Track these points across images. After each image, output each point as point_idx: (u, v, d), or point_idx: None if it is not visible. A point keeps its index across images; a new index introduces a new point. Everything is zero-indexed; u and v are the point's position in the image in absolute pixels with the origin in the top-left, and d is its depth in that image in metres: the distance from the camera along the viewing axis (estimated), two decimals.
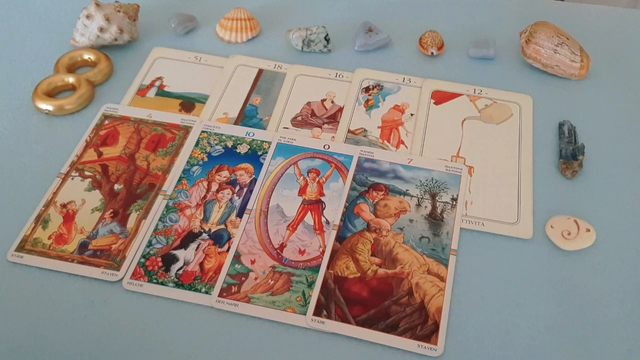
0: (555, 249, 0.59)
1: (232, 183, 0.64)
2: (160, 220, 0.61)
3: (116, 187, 0.64)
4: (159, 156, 0.66)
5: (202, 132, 0.68)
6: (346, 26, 0.80)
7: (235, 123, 0.70)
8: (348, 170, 0.64)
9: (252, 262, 0.58)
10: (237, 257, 0.58)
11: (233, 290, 0.56)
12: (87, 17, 0.75)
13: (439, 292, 0.55)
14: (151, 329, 0.54)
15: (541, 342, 0.53)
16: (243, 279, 0.56)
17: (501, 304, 0.55)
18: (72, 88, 0.73)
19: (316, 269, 0.57)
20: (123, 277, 0.56)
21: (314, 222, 0.61)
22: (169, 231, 0.60)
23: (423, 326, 0.53)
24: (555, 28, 0.73)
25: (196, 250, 0.58)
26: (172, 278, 0.57)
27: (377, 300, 0.55)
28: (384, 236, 0.59)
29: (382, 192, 0.62)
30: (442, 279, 0.56)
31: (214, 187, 0.63)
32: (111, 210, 0.62)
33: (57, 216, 0.61)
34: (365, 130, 0.69)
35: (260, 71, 0.75)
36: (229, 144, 0.67)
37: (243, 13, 0.79)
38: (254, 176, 0.64)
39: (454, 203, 0.62)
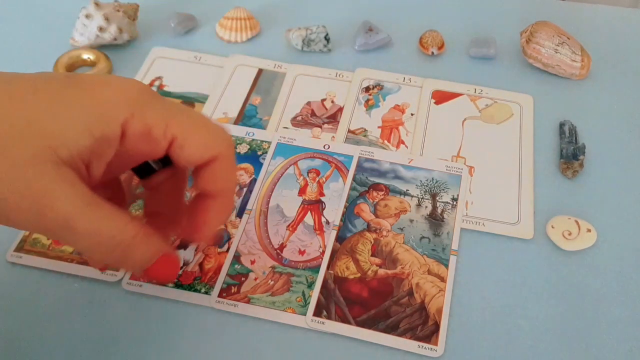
0: (556, 249, 0.59)
1: None
2: None
3: None
4: None
5: None
6: (346, 26, 0.80)
7: (235, 123, 0.70)
8: (348, 170, 0.64)
9: (252, 262, 0.57)
10: (236, 258, 0.58)
11: (233, 291, 0.55)
12: (87, 16, 0.75)
13: (439, 292, 0.55)
14: (151, 329, 0.53)
15: (542, 342, 0.53)
16: (243, 279, 0.56)
17: (502, 305, 0.55)
18: None
19: (316, 269, 0.57)
20: (122, 278, 0.56)
21: (314, 222, 0.60)
22: None
23: (423, 327, 0.53)
24: (556, 27, 0.73)
25: (196, 250, 0.58)
26: None
27: (378, 301, 0.55)
28: (384, 236, 0.59)
29: (383, 192, 0.62)
30: (443, 280, 0.56)
31: None
32: None
33: None
34: (365, 130, 0.69)
35: (260, 71, 0.75)
36: None
37: (243, 12, 0.79)
38: (253, 176, 0.64)
39: (455, 203, 0.61)
